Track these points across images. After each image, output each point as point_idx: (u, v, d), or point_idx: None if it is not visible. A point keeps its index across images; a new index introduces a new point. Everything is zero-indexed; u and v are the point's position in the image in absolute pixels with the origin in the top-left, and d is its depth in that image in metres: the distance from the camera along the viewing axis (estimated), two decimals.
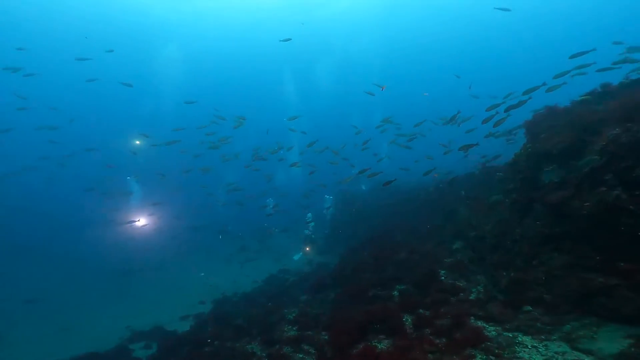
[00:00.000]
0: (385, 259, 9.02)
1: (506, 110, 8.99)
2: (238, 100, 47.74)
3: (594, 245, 4.65)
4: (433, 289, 6.84)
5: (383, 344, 5.63)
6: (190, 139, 17.13)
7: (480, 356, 4.43)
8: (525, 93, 8.89)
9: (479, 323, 5.28)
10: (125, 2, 27.30)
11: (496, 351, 4.42)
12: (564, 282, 4.90)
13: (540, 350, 4.30)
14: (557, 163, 5.38)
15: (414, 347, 4.94)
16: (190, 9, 28.80)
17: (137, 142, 17.29)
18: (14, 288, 16.22)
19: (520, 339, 4.63)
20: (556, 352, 4.15)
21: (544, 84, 8.74)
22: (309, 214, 16.47)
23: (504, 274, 6.16)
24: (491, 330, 5.03)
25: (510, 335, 4.77)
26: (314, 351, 6.23)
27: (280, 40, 16.32)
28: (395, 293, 7.48)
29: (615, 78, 6.60)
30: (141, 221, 18.50)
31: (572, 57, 9.26)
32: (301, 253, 15.61)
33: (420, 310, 6.21)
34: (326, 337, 6.61)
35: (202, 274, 14.91)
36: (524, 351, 4.34)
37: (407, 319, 6.06)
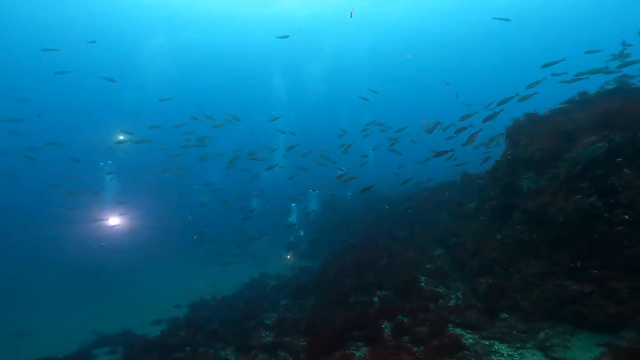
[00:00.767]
0: (367, 265, 8.92)
1: (484, 122, 9.16)
2: (225, 98, 46.95)
3: (570, 253, 4.69)
4: (413, 295, 6.76)
5: (361, 352, 5.49)
6: (170, 137, 16.58)
7: None
8: (499, 104, 9.08)
9: (457, 330, 5.23)
10: None
11: None
12: (540, 289, 4.91)
13: (515, 358, 4.26)
14: (535, 170, 5.43)
15: (392, 356, 4.83)
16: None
17: (121, 137, 16.46)
18: None
19: (496, 347, 4.59)
20: None
21: (517, 94, 8.99)
22: (292, 218, 16.26)
23: (482, 280, 6.16)
24: (468, 338, 4.97)
25: (487, 344, 4.73)
26: (290, 358, 6.03)
27: (277, 37, 16.12)
28: (376, 299, 7.37)
29: (591, 87, 6.77)
30: (113, 221, 17.59)
31: (544, 66, 9.62)
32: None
33: (400, 317, 6.12)
34: (304, 343, 6.43)
35: (184, 289, 14.30)
36: None
37: (386, 326, 5.95)
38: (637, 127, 4.35)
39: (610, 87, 6.50)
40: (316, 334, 5.95)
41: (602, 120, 4.63)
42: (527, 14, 30.86)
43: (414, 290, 7.03)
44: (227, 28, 32.75)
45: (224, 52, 38.09)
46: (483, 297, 5.84)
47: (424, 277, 7.56)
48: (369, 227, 13.17)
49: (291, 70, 42.75)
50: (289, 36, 15.98)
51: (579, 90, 6.67)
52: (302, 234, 15.02)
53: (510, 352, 4.41)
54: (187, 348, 7.12)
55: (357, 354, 5.44)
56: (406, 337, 5.41)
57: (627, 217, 4.17)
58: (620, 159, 4.32)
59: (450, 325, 5.39)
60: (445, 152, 8.95)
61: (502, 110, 8.98)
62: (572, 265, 4.57)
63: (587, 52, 9.79)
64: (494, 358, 4.35)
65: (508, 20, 14.53)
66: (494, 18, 14.81)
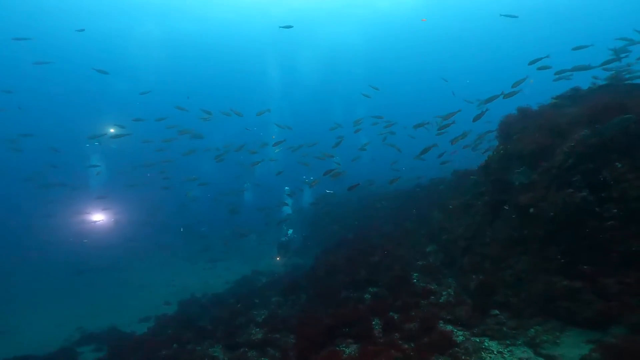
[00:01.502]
0: (359, 261, 8.85)
1: (474, 120, 9.12)
2: (220, 91, 46.11)
3: (561, 248, 4.64)
4: (404, 292, 6.70)
5: (351, 349, 5.41)
6: (164, 131, 16.14)
7: None
8: (486, 102, 9.05)
9: (448, 327, 5.17)
10: None
11: (463, 357, 4.30)
12: (530, 285, 4.87)
13: (505, 356, 4.21)
14: (527, 164, 5.37)
15: (381, 353, 4.75)
16: None
17: (112, 130, 15.93)
18: None
19: (486, 344, 4.53)
20: (520, 358, 4.07)
21: (502, 92, 8.98)
22: (284, 215, 16.03)
23: (473, 277, 6.11)
24: (459, 335, 4.92)
25: (477, 340, 4.68)
26: (279, 355, 5.93)
27: (280, 27, 15.71)
28: (367, 296, 7.31)
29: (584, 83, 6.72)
30: (96, 216, 17.08)
31: (531, 63, 9.68)
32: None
33: (391, 314, 6.05)
34: (293, 340, 6.34)
35: (172, 283, 14.02)
36: (490, 357, 4.25)
37: (377, 323, 5.87)
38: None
39: (601, 83, 6.47)
40: (305, 330, 5.86)
41: (594, 114, 4.57)
42: (530, 9, 30.46)
43: (405, 286, 6.97)
44: (220, 17, 32.05)
45: (218, 42, 37.24)
46: (474, 293, 5.80)
47: (415, 274, 7.51)
48: (362, 223, 13.10)
49: (286, 62, 42.04)
50: (292, 26, 15.58)
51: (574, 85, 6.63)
52: (290, 232, 14.67)
53: (501, 349, 4.36)
54: (175, 345, 6.98)
55: (347, 351, 5.36)
56: (397, 334, 5.33)
57: (617, 212, 4.12)
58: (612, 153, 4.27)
59: (441, 321, 5.33)
60: (430, 148, 8.92)
61: (487, 109, 8.98)
62: (562, 260, 4.52)
63: (575, 49, 9.66)
64: (484, 355, 4.29)
65: (515, 17, 14.08)
66: (502, 15, 14.46)
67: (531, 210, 4.99)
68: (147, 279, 15.59)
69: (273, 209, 15.99)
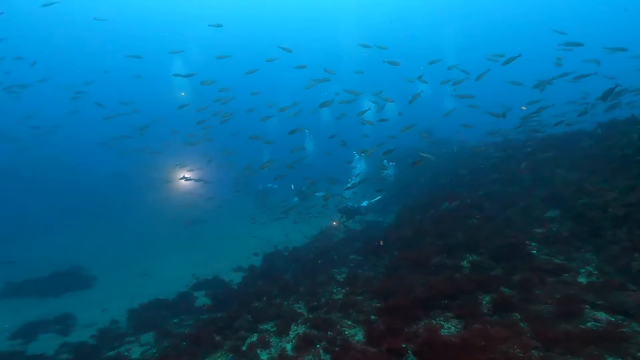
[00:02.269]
0: (453, 223, 7.59)
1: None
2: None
3: None
4: (520, 264, 5.36)
5: (450, 324, 4.54)
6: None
7: (611, 359, 3.08)
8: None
9: (600, 315, 3.80)
10: None
11: (638, 354, 3.02)
12: None
13: None
14: None
15: (498, 335, 3.73)
16: None
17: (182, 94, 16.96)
18: (103, 241, 18.67)
19: None
20: None
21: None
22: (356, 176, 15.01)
23: (636, 255, 4.40)
24: (624, 327, 3.54)
25: None
26: (363, 318, 5.43)
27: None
28: (465, 263, 6.18)
29: None
30: (189, 175, 18.83)
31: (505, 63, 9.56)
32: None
33: (503, 289, 4.87)
34: (378, 304, 5.76)
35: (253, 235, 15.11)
36: None
37: (485, 298, 4.80)
38: None
39: None
40: (395, 299, 5.17)
41: None
42: None
43: (519, 257, 5.59)
44: None
45: None
46: (638, 278, 4.17)
47: (534, 243, 5.98)
48: (453, 182, 11.41)
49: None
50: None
51: None
52: (364, 204, 13.58)
53: None
54: (264, 298, 7.21)
55: (446, 325, 4.51)
56: (516, 314, 4.22)
57: None
58: None
59: (587, 306, 3.96)
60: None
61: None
62: None
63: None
64: None
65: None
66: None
67: None
68: (236, 230, 17.15)
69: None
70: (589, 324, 3.70)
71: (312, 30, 40.63)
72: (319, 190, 15.14)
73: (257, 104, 15.12)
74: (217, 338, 6.10)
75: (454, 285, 4.97)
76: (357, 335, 5.03)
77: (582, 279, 4.69)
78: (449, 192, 9.64)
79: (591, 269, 4.93)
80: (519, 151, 10.63)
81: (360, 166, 17.34)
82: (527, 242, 6.01)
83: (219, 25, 13.35)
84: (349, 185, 13.11)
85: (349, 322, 5.47)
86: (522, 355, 3.17)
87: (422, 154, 11.17)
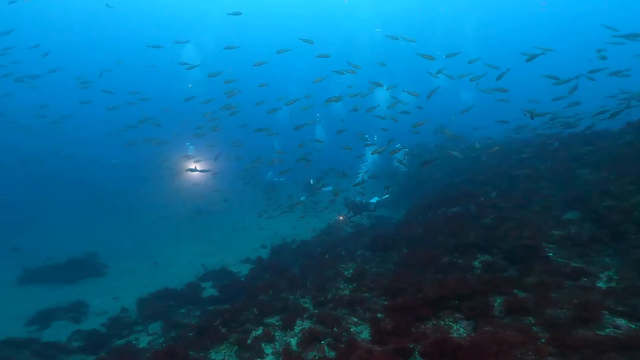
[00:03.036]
0: (465, 222, 7.38)
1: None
2: None
3: None
4: (536, 266, 5.15)
5: (460, 325, 4.40)
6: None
7: None
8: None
9: (621, 321, 3.59)
10: None
11: None
12: None
13: None
14: None
15: (510, 340, 3.57)
16: None
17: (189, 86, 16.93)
18: (114, 231, 19.10)
19: None
20: None
21: None
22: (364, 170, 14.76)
23: None
24: None
25: None
26: (370, 316, 5.33)
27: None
28: (477, 264, 6.00)
29: None
30: (198, 166, 18.88)
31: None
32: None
33: (517, 292, 4.69)
34: (385, 302, 5.65)
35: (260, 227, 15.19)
36: None
37: (497, 300, 4.62)
38: None
39: None
40: (402, 297, 5.04)
41: None
42: None
43: (536, 260, 5.37)
44: None
45: None
46: None
47: (551, 246, 5.74)
48: (469, 180, 11.12)
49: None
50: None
51: None
52: (374, 200, 13.25)
53: None
54: (271, 292, 7.21)
55: (455, 327, 4.37)
56: (530, 318, 4.04)
57: None
58: None
59: (607, 312, 3.76)
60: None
61: None
62: None
63: None
64: None
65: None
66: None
67: None
68: (245, 222, 17.26)
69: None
70: (607, 331, 3.51)
71: (330, 23, 40.01)
72: (327, 185, 14.94)
73: (267, 96, 14.99)
74: (223, 330, 6.12)
75: (465, 286, 4.81)
76: (363, 333, 4.95)
77: (601, 284, 4.46)
78: (463, 190, 9.36)
79: (611, 274, 4.68)
80: (545, 149, 10.22)
81: (369, 161, 17.09)
82: (543, 243, 5.77)
83: (239, 13, 13.06)
84: (358, 181, 12.92)
85: (355, 319, 5.38)
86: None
87: (450, 152, 10.91)
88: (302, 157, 12.58)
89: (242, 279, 9.51)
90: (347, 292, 6.47)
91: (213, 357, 5.46)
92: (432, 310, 4.65)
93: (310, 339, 5.03)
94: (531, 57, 9.73)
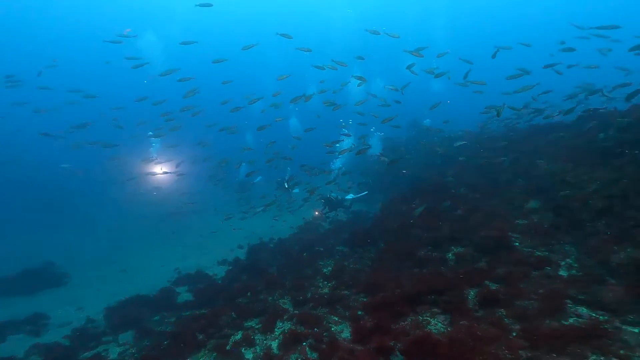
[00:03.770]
0: (438, 214, 7.63)
1: None
2: None
3: None
4: (504, 256, 5.43)
5: (437, 320, 4.55)
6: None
7: (594, 357, 3.13)
8: None
9: (582, 310, 3.88)
10: None
11: (621, 352, 3.08)
12: None
13: None
14: None
15: (487, 332, 3.74)
16: None
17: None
18: (72, 238, 17.74)
19: None
20: None
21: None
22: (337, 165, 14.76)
23: (616, 248, 4.52)
24: (604, 323, 3.63)
25: (638, 332, 3.35)
26: (350, 315, 5.38)
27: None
28: (450, 256, 6.23)
29: None
30: (164, 169, 17.97)
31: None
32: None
33: (488, 283, 4.92)
34: (365, 299, 5.73)
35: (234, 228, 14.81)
36: None
37: (470, 293, 4.83)
38: None
39: None
40: (381, 294, 5.13)
41: None
42: None
43: (503, 250, 5.67)
44: None
45: None
46: (616, 270, 4.28)
47: (516, 235, 6.08)
48: (438, 171, 11.49)
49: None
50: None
51: None
52: (349, 196, 13.23)
53: None
54: (249, 294, 7.07)
55: (433, 321, 4.51)
56: (502, 310, 4.26)
57: None
58: None
59: (570, 301, 4.04)
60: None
61: None
62: None
63: None
64: None
65: None
66: None
67: None
68: (221, 223, 16.61)
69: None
70: (571, 320, 3.77)
71: (305, 19, 39.19)
72: (298, 185, 14.77)
73: (233, 94, 14.35)
74: (200, 336, 5.92)
75: (440, 280, 4.97)
76: (344, 332, 4.98)
77: (562, 272, 4.79)
78: (434, 183, 9.66)
79: (571, 262, 5.04)
80: (511, 142, 10.72)
81: (341, 158, 17.09)
82: (509, 233, 6.09)
83: (209, 5, 12.22)
84: (330, 179, 12.88)
85: (336, 318, 5.41)
86: (510, 357, 3.17)
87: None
88: (271, 157, 12.34)
89: (219, 282, 9.24)
90: (326, 290, 6.48)
91: None
92: (410, 306, 4.77)
93: (291, 341, 4.99)
94: (495, 54, 10.09)
